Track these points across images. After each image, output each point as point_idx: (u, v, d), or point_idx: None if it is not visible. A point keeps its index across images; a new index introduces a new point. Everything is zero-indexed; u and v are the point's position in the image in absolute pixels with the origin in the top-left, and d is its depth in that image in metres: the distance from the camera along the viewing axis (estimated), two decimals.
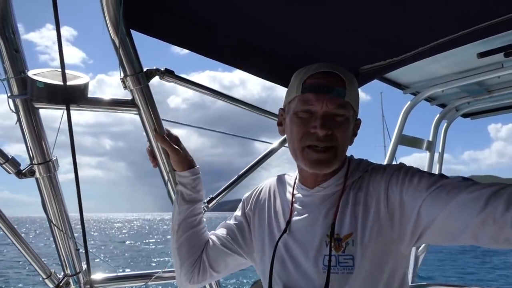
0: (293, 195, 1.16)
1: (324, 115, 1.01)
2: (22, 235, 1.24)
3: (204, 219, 1.31)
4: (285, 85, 1.69)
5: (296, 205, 1.14)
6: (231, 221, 1.29)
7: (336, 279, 0.98)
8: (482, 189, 0.85)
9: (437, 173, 3.11)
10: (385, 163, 2.78)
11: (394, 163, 2.81)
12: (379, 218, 0.99)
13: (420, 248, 3.14)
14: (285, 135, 1.14)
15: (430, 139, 3.10)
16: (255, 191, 1.29)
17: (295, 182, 1.18)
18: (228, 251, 1.24)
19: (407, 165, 1.06)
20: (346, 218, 1.03)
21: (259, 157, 1.75)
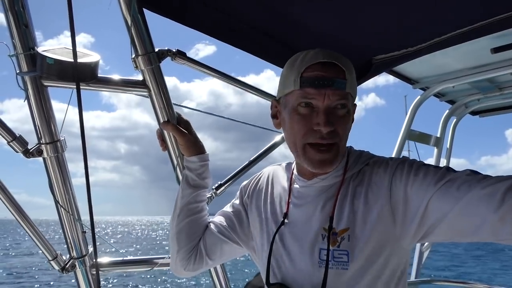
0: (290, 186, 1.12)
1: (326, 110, 0.96)
2: None
3: (207, 208, 1.29)
4: None
5: (293, 197, 1.10)
6: (229, 209, 1.26)
7: (331, 274, 0.95)
8: (496, 183, 0.81)
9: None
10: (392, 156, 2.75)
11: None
12: (380, 214, 0.95)
13: (425, 245, 3.11)
14: (280, 128, 1.09)
15: (438, 135, 3.07)
16: (253, 180, 1.26)
17: (292, 173, 1.14)
18: (225, 238, 1.21)
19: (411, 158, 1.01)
20: (344, 212, 0.99)
21: (268, 145, 1.72)
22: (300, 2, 1.30)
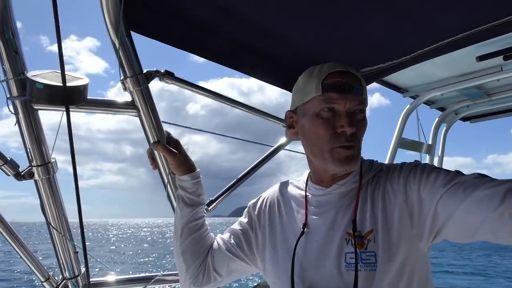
0: (306, 196, 1.15)
1: (348, 113, 1.02)
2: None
3: (206, 223, 1.30)
4: (285, 87, 1.69)
5: (311, 206, 1.13)
6: (237, 227, 1.27)
7: (361, 277, 0.97)
8: (499, 185, 0.85)
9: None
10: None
11: None
12: (399, 216, 0.99)
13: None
14: (297, 138, 1.14)
15: (430, 143, 3.10)
16: (262, 198, 1.28)
17: (306, 184, 1.17)
18: (232, 256, 1.22)
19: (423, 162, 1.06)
20: (367, 215, 1.02)
21: (258, 160, 1.74)
22: (285, 18, 1.33)
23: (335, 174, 1.08)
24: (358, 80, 1.05)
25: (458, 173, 0.96)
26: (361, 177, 1.08)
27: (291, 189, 1.22)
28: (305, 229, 1.09)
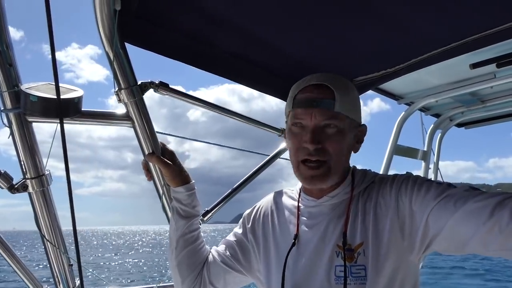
0: (298, 207, 1.15)
1: (314, 129, 1.02)
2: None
3: (202, 234, 1.30)
4: (282, 97, 1.70)
5: (303, 217, 1.13)
6: (232, 238, 1.27)
7: None
8: (489, 198, 0.86)
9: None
10: (380, 173, 2.78)
11: (389, 173, 2.81)
12: (390, 228, 0.99)
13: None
14: None
15: (425, 149, 3.11)
16: (256, 208, 1.28)
17: (299, 194, 1.17)
18: (228, 268, 1.22)
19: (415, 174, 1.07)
20: (357, 228, 1.03)
21: (254, 169, 1.74)
22: (279, 28, 1.34)
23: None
24: (331, 93, 1.02)
25: (449, 185, 0.96)
26: (352, 189, 1.09)
27: (285, 199, 1.22)
28: (296, 241, 1.10)
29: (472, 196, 0.89)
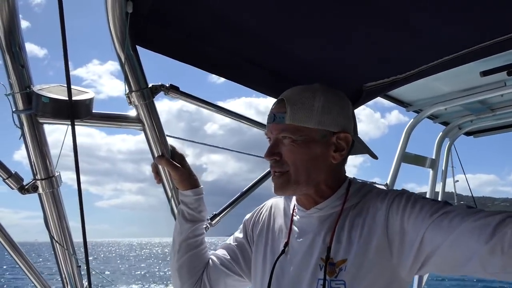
0: (292, 216, 1.15)
1: (272, 142, 1.08)
2: None
3: (206, 240, 1.29)
4: None
5: (294, 227, 1.13)
6: (232, 242, 1.27)
7: None
8: (488, 216, 0.83)
9: (440, 192, 3.11)
10: (388, 181, 2.76)
11: (397, 180, 2.79)
12: (376, 246, 0.96)
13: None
14: None
15: (433, 157, 3.09)
16: (256, 212, 1.28)
17: (295, 204, 1.17)
18: (228, 272, 1.22)
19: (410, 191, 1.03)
20: (342, 243, 1.01)
21: (263, 174, 1.74)
22: (290, 33, 1.34)
23: (305, 195, 1.10)
24: (283, 107, 1.05)
25: (445, 203, 0.93)
26: (344, 202, 1.06)
27: (282, 206, 1.23)
28: (286, 249, 1.10)
29: (469, 214, 0.86)
